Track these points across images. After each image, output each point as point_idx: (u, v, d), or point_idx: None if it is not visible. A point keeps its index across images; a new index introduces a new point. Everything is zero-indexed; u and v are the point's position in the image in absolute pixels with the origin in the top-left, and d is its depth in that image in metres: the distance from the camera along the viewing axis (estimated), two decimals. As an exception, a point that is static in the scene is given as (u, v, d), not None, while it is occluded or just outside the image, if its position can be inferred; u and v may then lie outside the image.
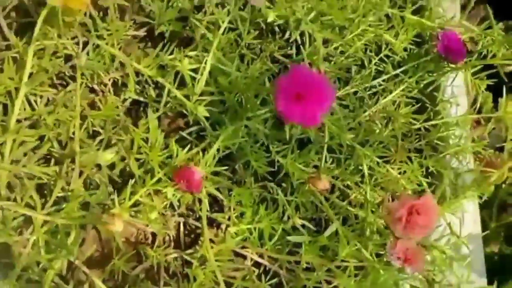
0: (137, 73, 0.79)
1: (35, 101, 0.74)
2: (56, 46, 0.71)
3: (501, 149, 0.97)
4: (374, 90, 0.93)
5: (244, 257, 0.82)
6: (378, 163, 0.85)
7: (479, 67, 0.94)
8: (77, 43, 0.78)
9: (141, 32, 0.87)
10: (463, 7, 1.02)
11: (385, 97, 0.91)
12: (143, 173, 0.75)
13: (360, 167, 0.84)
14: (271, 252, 0.80)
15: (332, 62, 0.90)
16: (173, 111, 0.85)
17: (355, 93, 0.92)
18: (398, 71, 0.91)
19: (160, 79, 0.74)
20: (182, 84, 0.79)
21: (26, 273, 0.66)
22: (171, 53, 0.79)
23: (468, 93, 0.97)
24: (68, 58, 0.78)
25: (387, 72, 0.92)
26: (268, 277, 0.81)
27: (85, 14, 0.77)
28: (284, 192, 0.83)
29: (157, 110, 0.80)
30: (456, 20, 0.97)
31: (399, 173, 0.88)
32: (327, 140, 0.81)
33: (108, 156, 0.65)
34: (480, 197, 0.94)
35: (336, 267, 0.76)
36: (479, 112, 0.94)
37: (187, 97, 0.76)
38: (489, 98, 1.01)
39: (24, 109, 0.73)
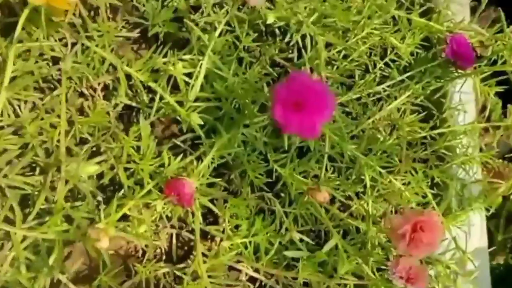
0: (130, 77, 0.76)
1: (19, 106, 0.70)
2: (42, 47, 0.67)
3: (510, 159, 0.99)
4: (378, 96, 0.91)
5: (239, 272, 0.80)
6: (381, 173, 0.82)
7: (488, 73, 0.92)
8: (66, 45, 0.74)
9: (135, 34, 0.83)
10: (473, 10, 0.99)
11: (389, 104, 0.89)
12: (134, 183, 0.72)
13: (362, 178, 0.82)
14: (267, 266, 0.77)
15: (335, 67, 0.88)
16: (167, 116, 0.82)
17: (359, 99, 0.90)
18: (404, 76, 0.89)
19: (152, 84, 0.71)
20: (176, 88, 0.76)
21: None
22: (165, 56, 0.76)
23: (477, 100, 0.96)
24: (55, 60, 0.74)
25: (392, 78, 0.90)
26: (263, 293, 0.78)
27: (74, 13, 0.74)
28: (282, 204, 0.81)
29: (150, 116, 0.76)
30: (465, 23, 0.94)
31: (403, 184, 0.86)
32: (327, 149, 0.78)
33: (91, 169, 0.61)
34: (487, 209, 0.92)
35: (335, 284, 0.74)
36: (488, 120, 0.94)
37: (180, 103, 0.73)
38: (498, 105, 0.96)
39: (8, 115, 0.69)
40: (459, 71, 0.90)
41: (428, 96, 0.93)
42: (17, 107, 0.71)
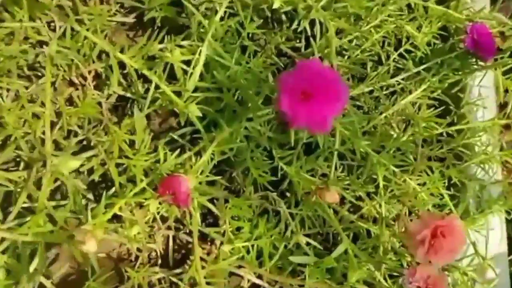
0: (124, 66, 0.71)
1: (1, 95, 0.65)
2: (26, 30, 0.61)
3: (532, 158, 0.94)
4: (391, 89, 0.88)
5: (241, 278, 0.76)
6: (394, 172, 0.79)
7: (510, 65, 0.88)
8: (54, 30, 0.69)
9: (130, 19, 0.79)
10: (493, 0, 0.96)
11: (404, 98, 0.86)
12: (126, 181, 0.68)
13: (374, 177, 0.79)
14: (271, 272, 0.75)
15: (346, 57, 0.85)
16: (165, 109, 0.78)
17: (371, 92, 0.87)
18: (419, 68, 0.86)
19: (146, 72, 0.66)
20: (174, 78, 0.72)
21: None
22: (162, 42, 0.71)
23: (497, 95, 0.92)
24: (42, 45, 0.69)
25: (407, 70, 0.86)
26: (267, 301, 0.75)
27: (63, -5, 0.69)
28: (287, 204, 0.78)
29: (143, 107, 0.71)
30: (486, 12, 0.90)
31: (418, 185, 0.83)
32: (337, 146, 0.74)
33: (72, 163, 0.55)
34: (508, 212, 0.89)
35: (345, 292, 0.71)
36: (509, 116, 0.89)
37: (178, 93, 0.69)
38: (520, 101, 0.96)
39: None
40: (479, 63, 0.87)
41: (445, 90, 0.89)
42: (-1, 96, 0.65)
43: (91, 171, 0.71)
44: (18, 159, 0.69)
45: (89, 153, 0.69)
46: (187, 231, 0.76)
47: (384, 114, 0.84)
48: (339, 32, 0.82)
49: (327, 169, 0.78)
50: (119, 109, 0.78)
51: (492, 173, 0.88)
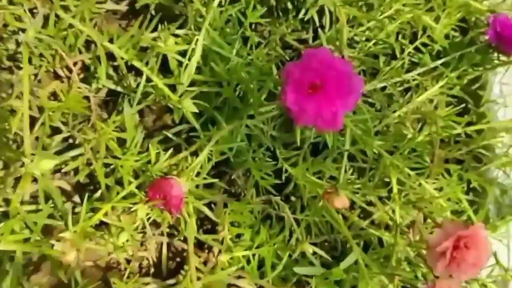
0: (115, 57, 0.67)
1: (-25, 87, 0.60)
2: (4, 15, 0.56)
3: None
4: (406, 85, 0.86)
5: None
6: (409, 175, 0.77)
7: None
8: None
9: (122, 6, 0.75)
10: (518, -13, 0.96)
11: (419, 95, 0.84)
12: (114, 183, 0.64)
13: (387, 180, 0.77)
14: (274, 284, 0.72)
15: (357, 49, 0.82)
16: (159, 104, 0.75)
17: (383, 88, 0.84)
18: (437, 63, 0.84)
19: (136, 63, 0.61)
20: (168, 71, 0.69)
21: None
22: (155, 30, 0.67)
23: None
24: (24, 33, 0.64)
25: (424, 64, 0.84)
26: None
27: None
28: (292, 209, 0.76)
29: (137, 103, 0.67)
30: (509, 3, 0.87)
31: (435, 189, 0.80)
32: (348, 146, 0.71)
33: (47, 164, 0.50)
34: None
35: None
36: None
37: (173, 87, 0.65)
38: (544, 99, 0.94)
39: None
40: (501, 58, 0.85)
41: (464, 87, 0.87)
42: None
43: (75, 171, 0.67)
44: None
45: (75, 152, 0.64)
46: (182, 238, 0.72)
47: (398, 113, 0.83)
48: (349, 22, 0.79)
49: (336, 172, 0.76)
50: (110, 104, 0.74)
51: (513, 177, 0.87)
